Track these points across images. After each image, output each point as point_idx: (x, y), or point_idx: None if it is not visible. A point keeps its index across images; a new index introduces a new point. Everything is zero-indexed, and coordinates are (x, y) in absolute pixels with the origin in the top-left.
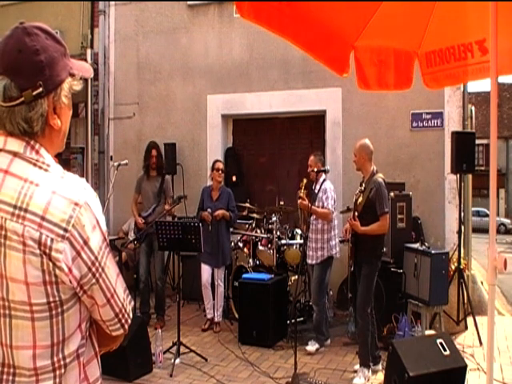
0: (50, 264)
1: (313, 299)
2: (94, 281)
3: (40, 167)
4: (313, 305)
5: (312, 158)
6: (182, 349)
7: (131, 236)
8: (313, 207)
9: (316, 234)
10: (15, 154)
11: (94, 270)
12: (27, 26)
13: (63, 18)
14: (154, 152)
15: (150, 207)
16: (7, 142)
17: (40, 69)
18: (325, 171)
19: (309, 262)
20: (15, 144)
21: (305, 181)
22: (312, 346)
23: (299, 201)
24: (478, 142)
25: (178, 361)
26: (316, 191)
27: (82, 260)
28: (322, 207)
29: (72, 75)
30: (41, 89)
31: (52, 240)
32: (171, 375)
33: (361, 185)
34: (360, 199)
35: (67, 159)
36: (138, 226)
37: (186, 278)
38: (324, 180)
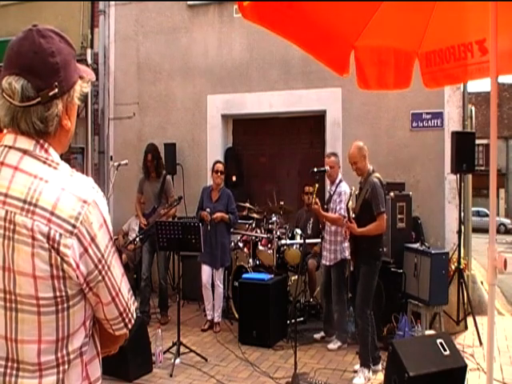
0: (58, 259)
1: (334, 300)
2: (99, 278)
3: (49, 165)
4: (334, 305)
5: (333, 158)
6: (182, 349)
7: (131, 236)
8: (325, 214)
9: (330, 236)
10: (25, 152)
11: (100, 267)
12: (41, 28)
13: (63, 18)
14: (149, 157)
15: (151, 208)
16: (17, 139)
17: (55, 70)
18: (325, 171)
19: (323, 262)
20: (25, 142)
21: (317, 186)
22: (334, 345)
23: (313, 206)
24: (478, 141)
25: (178, 361)
26: (332, 193)
27: (89, 256)
28: (336, 210)
29: (81, 77)
30: (56, 90)
31: (60, 235)
32: (171, 375)
33: (360, 187)
34: (350, 202)
35: (67, 159)
36: (142, 226)
37: (186, 278)
38: (340, 181)
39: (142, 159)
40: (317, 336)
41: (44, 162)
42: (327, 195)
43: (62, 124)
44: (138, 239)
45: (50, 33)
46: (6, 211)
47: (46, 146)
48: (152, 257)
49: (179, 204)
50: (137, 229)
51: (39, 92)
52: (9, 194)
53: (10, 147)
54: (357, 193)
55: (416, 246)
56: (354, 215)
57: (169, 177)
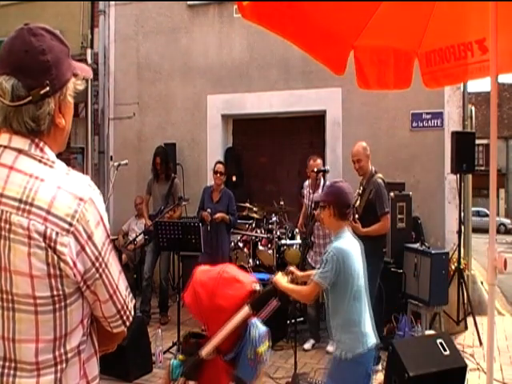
0: (55, 257)
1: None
2: (97, 276)
3: (45, 163)
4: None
5: (319, 161)
6: None
7: (131, 236)
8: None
9: (324, 239)
10: (20, 151)
11: (97, 265)
12: (32, 26)
13: (63, 18)
14: (157, 160)
15: (158, 209)
16: (12, 139)
17: (46, 68)
18: (325, 171)
19: (317, 267)
20: (20, 141)
21: None
22: (331, 346)
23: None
24: (478, 142)
25: None
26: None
27: (86, 254)
28: None
29: (75, 75)
30: (48, 88)
31: (57, 234)
32: None
33: (362, 187)
34: (358, 202)
35: (67, 159)
36: (147, 227)
37: (186, 278)
38: (325, 183)
39: (149, 161)
40: (307, 346)
41: (39, 161)
42: (306, 197)
43: (55, 122)
44: (142, 239)
45: (42, 31)
46: (2, 211)
47: (41, 144)
48: (156, 257)
49: (180, 205)
50: (137, 229)
51: (30, 91)
52: (4, 193)
53: (5, 147)
54: (355, 194)
55: (416, 246)
56: (357, 215)
57: (178, 180)
